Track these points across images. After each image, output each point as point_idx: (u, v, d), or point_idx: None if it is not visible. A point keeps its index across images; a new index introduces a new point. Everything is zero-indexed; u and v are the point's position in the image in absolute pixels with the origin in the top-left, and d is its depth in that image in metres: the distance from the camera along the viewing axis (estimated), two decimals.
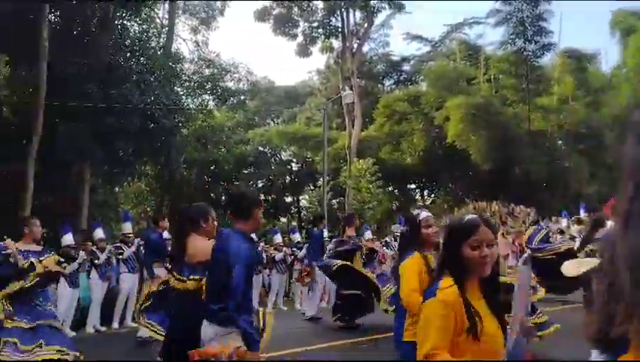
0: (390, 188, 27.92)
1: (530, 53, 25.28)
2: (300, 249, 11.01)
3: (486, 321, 1.99)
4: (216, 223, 3.98)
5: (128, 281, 9.32)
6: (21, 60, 14.45)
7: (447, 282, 2.04)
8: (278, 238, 12.12)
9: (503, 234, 6.38)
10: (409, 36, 31.53)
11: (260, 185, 31.97)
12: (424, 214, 3.44)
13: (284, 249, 11.73)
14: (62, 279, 8.52)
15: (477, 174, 24.91)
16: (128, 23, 16.26)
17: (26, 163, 12.67)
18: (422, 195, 31.02)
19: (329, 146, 23.53)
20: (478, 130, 22.90)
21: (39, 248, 5.56)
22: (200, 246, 3.77)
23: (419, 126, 26.58)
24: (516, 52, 25.47)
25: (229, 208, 3.57)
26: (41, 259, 5.31)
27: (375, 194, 23.55)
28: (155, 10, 19.38)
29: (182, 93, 18.11)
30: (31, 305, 5.22)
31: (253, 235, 4.09)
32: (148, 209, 27.06)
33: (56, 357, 5.08)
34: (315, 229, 9.95)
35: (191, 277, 3.87)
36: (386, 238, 16.93)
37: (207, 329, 3.20)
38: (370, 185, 23.17)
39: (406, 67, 33.19)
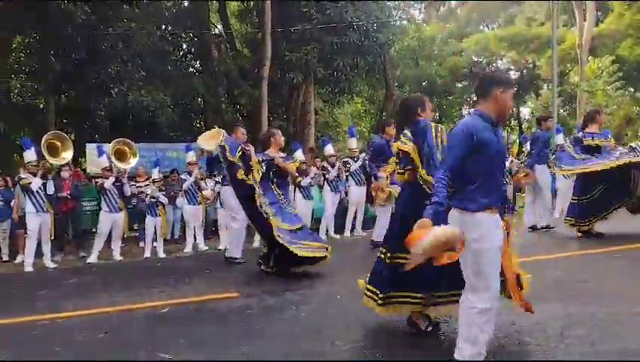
0: (632, 90, 24.10)
1: None
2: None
3: None
4: (432, 113, 4.03)
5: (356, 193, 9.73)
6: None
7: None
8: None
9: None
10: None
11: (475, 98, 30.43)
12: None
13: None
14: (297, 193, 9.34)
15: None
16: None
17: (260, 88, 13.81)
18: None
19: None
20: None
21: (284, 155, 6.69)
22: None
23: None
24: None
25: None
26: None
27: (613, 98, 20.54)
28: None
29: (392, 6, 17.70)
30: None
31: None
32: (364, 129, 27.97)
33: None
34: (539, 130, 8.98)
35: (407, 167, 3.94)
36: (631, 144, 14.82)
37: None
38: (608, 88, 20.22)
39: None
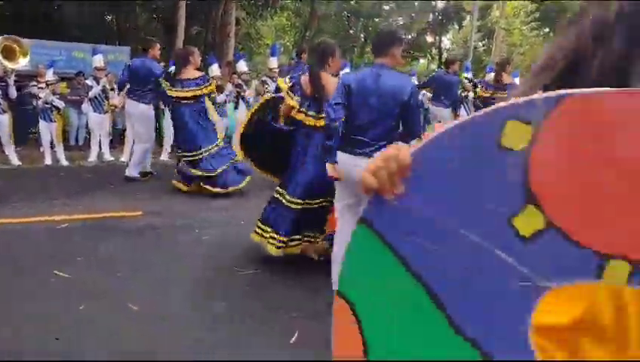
0: (547, 31, 25.12)
1: None
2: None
3: None
4: (340, 60, 4.09)
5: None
6: None
7: None
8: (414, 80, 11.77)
9: None
10: None
11: (401, 22, 30.45)
12: None
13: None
14: (212, 108, 9.13)
15: None
16: None
17: None
18: None
19: None
20: None
21: (201, 74, 6.49)
22: (332, 83, 3.79)
23: None
24: None
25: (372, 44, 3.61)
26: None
27: (528, 37, 21.36)
28: None
29: None
30: None
31: None
32: (288, 43, 27.34)
33: None
34: (446, 72, 9.24)
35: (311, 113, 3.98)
36: None
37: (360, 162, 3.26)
38: (524, 27, 20.94)
39: None
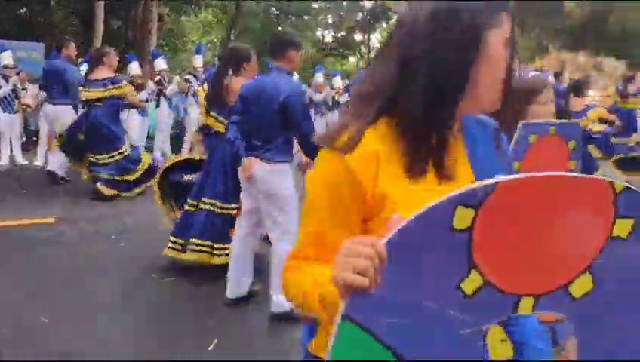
0: None
1: None
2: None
3: None
4: (256, 66, 3.99)
5: (196, 113, 9.50)
6: None
7: None
8: (337, 81, 11.98)
9: None
10: None
11: (330, 20, 30.75)
12: None
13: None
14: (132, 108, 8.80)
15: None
16: None
17: None
18: None
19: None
20: None
21: (114, 75, 6.30)
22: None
23: None
24: None
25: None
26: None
27: None
28: None
29: None
30: None
31: None
32: (215, 40, 26.93)
33: None
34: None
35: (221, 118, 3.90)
36: None
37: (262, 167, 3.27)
38: None
39: None
